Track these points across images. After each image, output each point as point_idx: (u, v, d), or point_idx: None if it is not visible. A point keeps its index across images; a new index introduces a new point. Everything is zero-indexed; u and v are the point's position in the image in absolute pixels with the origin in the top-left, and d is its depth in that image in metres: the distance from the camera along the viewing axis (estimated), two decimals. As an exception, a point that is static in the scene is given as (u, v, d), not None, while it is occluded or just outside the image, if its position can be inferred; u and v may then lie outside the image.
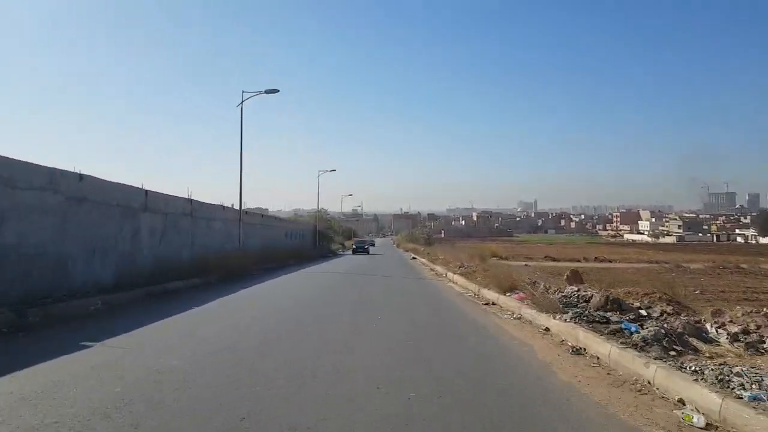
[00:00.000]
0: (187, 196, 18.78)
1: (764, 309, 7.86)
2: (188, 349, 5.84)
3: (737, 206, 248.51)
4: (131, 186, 14.39)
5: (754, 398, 3.56)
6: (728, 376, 4.03)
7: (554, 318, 7.14)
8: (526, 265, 33.93)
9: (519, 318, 8.33)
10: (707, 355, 5.16)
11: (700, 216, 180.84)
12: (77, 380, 4.51)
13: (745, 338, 5.89)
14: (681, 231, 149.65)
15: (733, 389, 3.79)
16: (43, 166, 10.55)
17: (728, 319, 6.65)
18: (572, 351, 5.78)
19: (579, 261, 52.77)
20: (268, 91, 22.21)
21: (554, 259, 53.43)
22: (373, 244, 79.86)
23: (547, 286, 10.86)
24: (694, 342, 5.66)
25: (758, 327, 6.22)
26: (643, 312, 7.44)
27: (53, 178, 10.73)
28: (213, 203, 21.30)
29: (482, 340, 6.78)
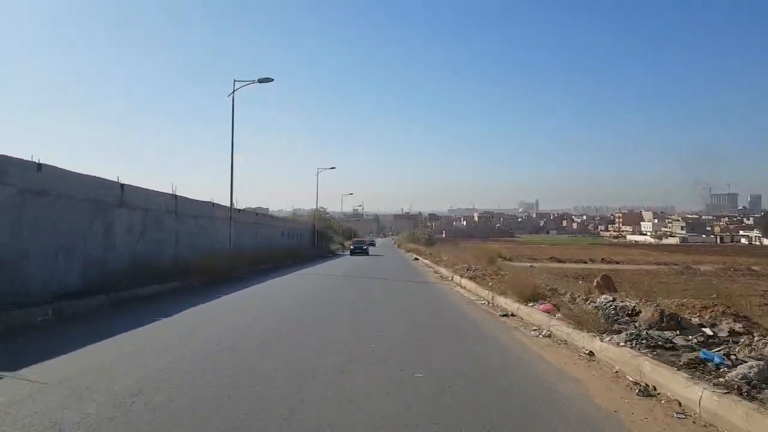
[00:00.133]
0: (171, 192, 17.33)
1: None
2: (82, 412, 3.73)
3: (740, 208, 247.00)
4: (104, 179, 12.92)
5: None
6: None
7: (601, 339, 5.65)
8: (531, 266, 32.48)
9: (549, 336, 6.85)
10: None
11: (703, 217, 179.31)
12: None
13: None
14: (684, 232, 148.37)
15: None
16: (-12, 153, 9.11)
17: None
18: (638, 391, 4.30)
19: (585, 262, 51.40)
20: (261, 80, 20.75)
21: (559, 261, 52.00)
22: (373, 244, 77.79)
23: (574, 294, 9.38)
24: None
25: None
26: (708, 331, 5.96)
27: (2, 167, 9.26)
28: (201, 200, 19.84)
29: (510, 368, 5.29)
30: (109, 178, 13.30)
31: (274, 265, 23.94)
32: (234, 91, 20.68)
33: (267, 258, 24.16)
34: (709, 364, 4.45)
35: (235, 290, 13.28)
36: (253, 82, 20.85)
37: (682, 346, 5.21)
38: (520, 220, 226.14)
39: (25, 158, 9.93)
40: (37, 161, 10.20)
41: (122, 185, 13.69)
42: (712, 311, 6.61)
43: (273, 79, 20.87)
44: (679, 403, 3.94)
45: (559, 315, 7.21)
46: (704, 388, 3.77)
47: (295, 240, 40.87)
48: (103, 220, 12.65)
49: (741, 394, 3.59)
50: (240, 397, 4.09)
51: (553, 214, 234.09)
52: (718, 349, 5.05)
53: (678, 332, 5.86)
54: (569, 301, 9.03)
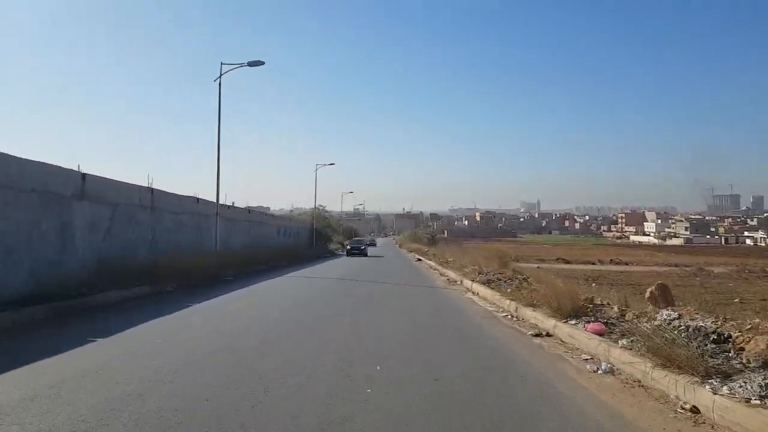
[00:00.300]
0: (148, 184, 15.50)
1: None
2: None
3: (743, 208, 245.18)
4: (59, 167, 11.09)
5: None
6: None
7: (712, 389, 3.79)
8: (538, 267, 30.65)
9: (611, 372, 5.00)
10: None
11: (707, 218, 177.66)
12: None
13: None
14: (688, 233, 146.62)
15: None
16: None
17: None
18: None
19: (593, 263, 49.60)
20: (251, 63, 18.91)
21: (567, 261, 50.12)
22: (374, 244, 75.33)
23: (623, 307, 7.53)
24: None
25: None
26: None
27: None
28: (183, 194, 18.00)
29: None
30: (67, 167, 11.52)
31: (267, 265, 22.12)
32: (221, 75, 18.84)
33: (260, 258, 22.34)
34: None
35: (214, 296, 11.44)
36: (242, 65, 19.01)
37: None
38: (522, 220, 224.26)
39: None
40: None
41: (83, 175, 11.87)
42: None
43: (264, 63, 19.02)
44: None
45: (623, 342, 5.34)
46: None
47: (292, 239, 39.05)
48: (58, 215, 10.82)
49: None
50: None
51: (555, 214, 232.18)
52: None
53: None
54: (616, 316, 7.20)
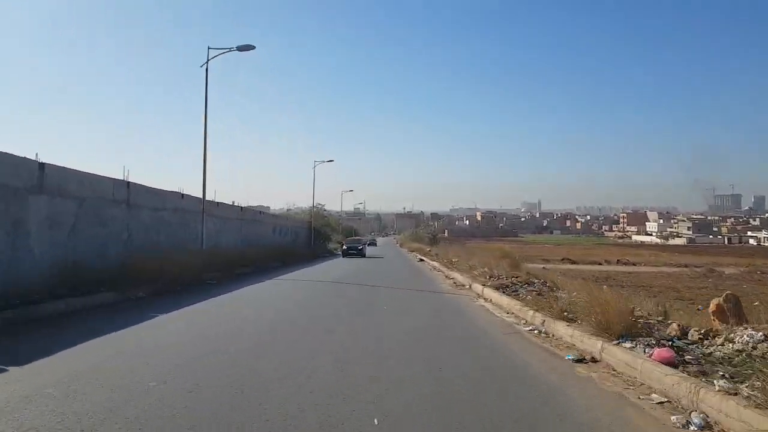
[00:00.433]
0: (123, 178, 14.02)
1: None
2: None
3: (746, 208, 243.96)
4: (10, 155, 9.56)
5: None
6: None
7: None
8: (543, 267, 29.27)
9: (708, 429, 3.51)
10: None
11: (708, 217, 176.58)
12: None
13: None
14: (690, 233, 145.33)
15: None
16: None
17: None
18: None
19: (600, 264, 48.24)
20: (240, 48, 17.40)
21: (573, 262, 48.71)
22: (374, 243, 73.20)
23: (682, 325, 6.03)
24: None
25: None
26: None
27: None
28: (165, 189, 16.50)
29: None
30: (23, 155, 10.05)
31: (258, 266, 20.62)
32: (208, 60, 17.33)
33: (251, 259, 20.84)
34: None
35: (187, 304, 9.92)
36: (231, 49, 17.50)
37: None
38: (523, 219, 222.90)
39: None
40: None
41: (41, 164, 10.39)
42: None
43: (254, 47, 17.53)
44: None
45: (720, 383, 3.83)
46: None
47: (288, 238, 37.55)
48: (7, 211, 9.33)
49: None
50: None
51: (557, 214, 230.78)
52: None
53: None
54: (676, 335, 5.71)
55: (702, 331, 5.71)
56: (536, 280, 11.95)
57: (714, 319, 6.12)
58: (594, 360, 5.51)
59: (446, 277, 18.34)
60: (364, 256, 35.38)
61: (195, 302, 10.27)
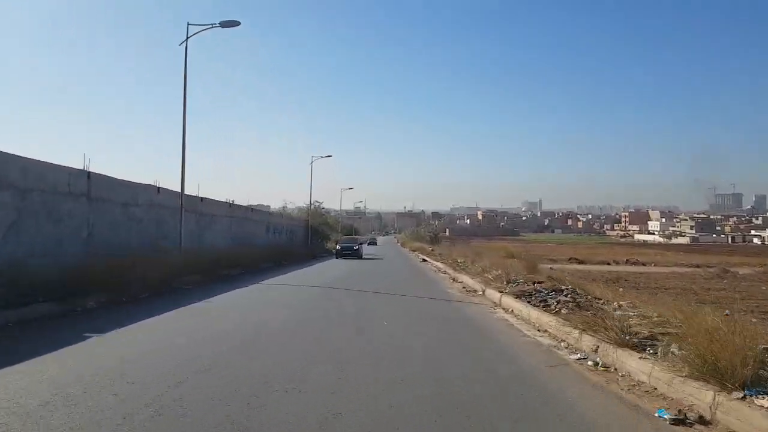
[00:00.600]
0: (83, 167, 12.17)
1: None
2: None
3: (748, 207, 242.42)
4: None
5: None
6: None
7: None
8: (551, 268, 27.47)
9: None
10: None
11: (711, 217, 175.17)
12: None
13: None
14: (693, 232, 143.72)
15: None
16: None
17: None
18: None
19: (608, 264, 46.28)
20: (223, 24, 15.52)
21: (580, 262, 46.73)
22: (374, 242, 70.95)
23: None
24: None
25: None
26: None
27: None
28: (137, 182, 14.63)
29: None
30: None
31: (248, 268, 18.79)
32: (187, 38, 15.48)
33: (240, 259, 19.00)
34: None
35: (146, 316, 8.08)
36: (213, 26, 15.63)
37: None
38: (524, 219, 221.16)
39: None
40: None
41: (-32, 148, 8.56)
42: None
43: (239, 23, 15.65)
44: None
45: None
46: None
47: (284, 237, 35.72)
48: None
49: None
50: None
51: (558, 213, 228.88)
52: None
53: None
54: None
55: None
56: (564, 287, 10.09)
57: None
58: (702, 420, 3.65)
59: (453, 279, 16.49)
60: (360, 257, 32.41)
61: (151, 315, 8.38)
